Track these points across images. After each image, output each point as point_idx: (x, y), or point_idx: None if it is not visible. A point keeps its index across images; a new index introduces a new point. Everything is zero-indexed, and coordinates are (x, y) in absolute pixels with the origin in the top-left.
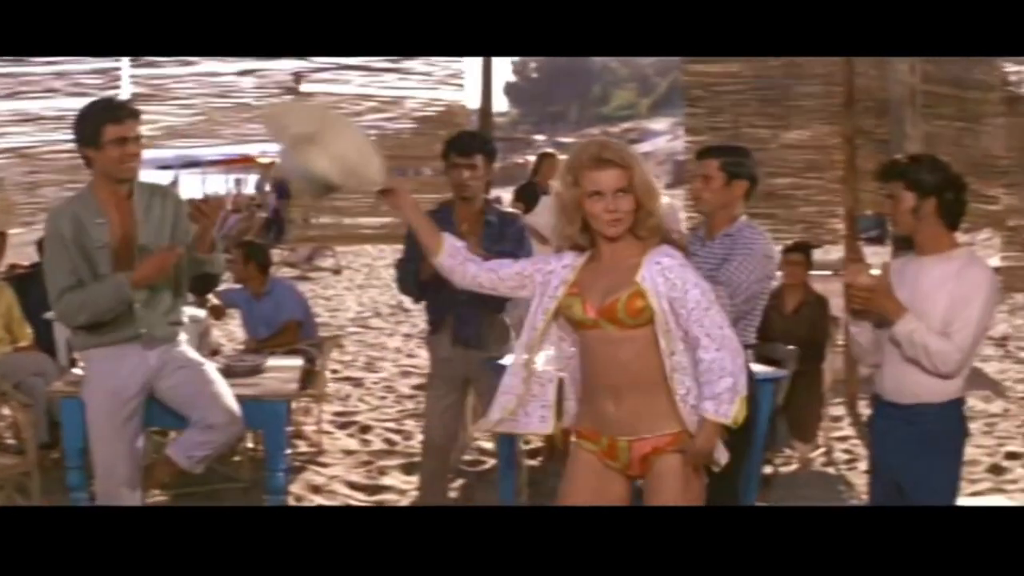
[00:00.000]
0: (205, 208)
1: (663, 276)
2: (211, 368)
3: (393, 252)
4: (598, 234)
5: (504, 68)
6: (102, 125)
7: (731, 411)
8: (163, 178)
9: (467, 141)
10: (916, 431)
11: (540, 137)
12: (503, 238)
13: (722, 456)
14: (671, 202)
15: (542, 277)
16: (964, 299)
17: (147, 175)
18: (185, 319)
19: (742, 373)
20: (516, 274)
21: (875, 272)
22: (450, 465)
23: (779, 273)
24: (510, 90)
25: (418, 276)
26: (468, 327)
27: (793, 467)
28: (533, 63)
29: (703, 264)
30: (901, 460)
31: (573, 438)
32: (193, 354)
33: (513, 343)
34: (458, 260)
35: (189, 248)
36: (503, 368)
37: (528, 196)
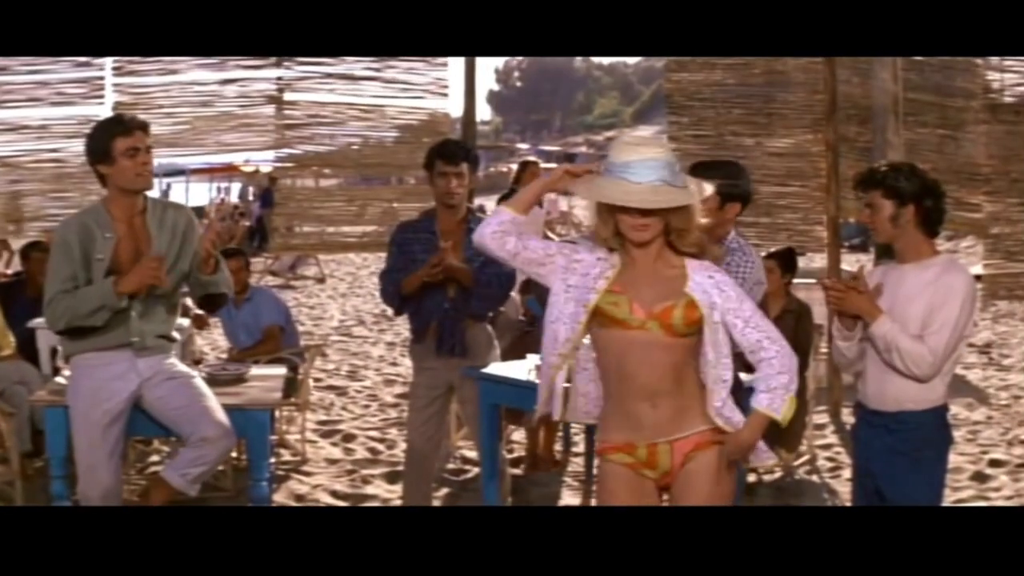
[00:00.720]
0: (208, 230)
1: (718, 289)
2: (201, 382)
3: (376, 260)
4: (628, 239)
5: (487, 76)
6: (112, 139)
7: (782, 408)
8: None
9: (453, 149)
10: (898, 438)
11: (523, 145)
12: None
13: (767, 458)
14: None
15: (565, 262)
16: (940, 303)
17: None
18: (176, 334)
19: (796, 375)
20: (541, 249)
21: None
22: (433, 474)
23: None
24: (493, 98)
25: (400, 289)
26: (452, 336)
27: (777, 475)
28: (517, 72)
29: None
30: (883, 467)
31: (599, 456)
32: (183, 367)
33: (497, 352)
34: (515, 232)
35: (193, 269)
36: (486, 376)
37: None
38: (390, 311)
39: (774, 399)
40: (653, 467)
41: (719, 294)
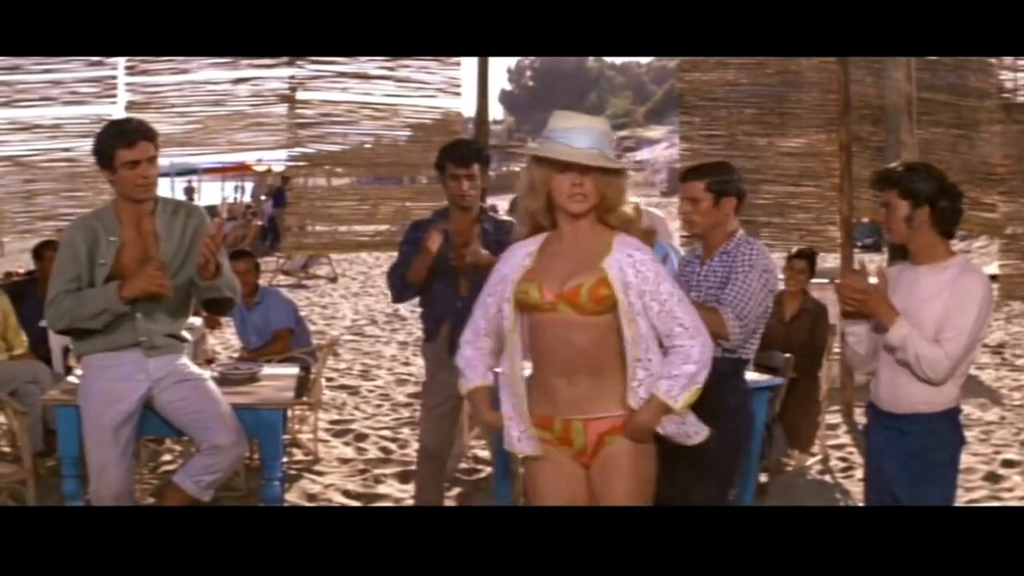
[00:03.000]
0: (206, 238)
1: (634, 268)
2: (213, 385)
3: (388, 260)
4: (562, 214)
5: (499, 76)
6: (115, 149)
7: (682, 397)
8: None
9: (464, 151)
10: (911, 440)
11: (536, 145)
12: (500, 247)
13: (697, 432)
14: (652, 211)
15: (501, 286)
16: (957, 307)
17: None
18: (187, 334)
19: (706, 368)
20: (492, 318)
21: (872, 279)
22: (445, 473)
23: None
24: (505, 98)
25: (405, 277)
26: None
27: (789, 475)
28: (529, 71)
29: (703, 283)
30: (896, 468)
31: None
32: (195, 368)
33: None
34: (479, 344)
35: (195, 274)
36: (500, 376)
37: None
38: (403, 309)
39: (673, 387)
40: (568, 444)
41: (635, 274)
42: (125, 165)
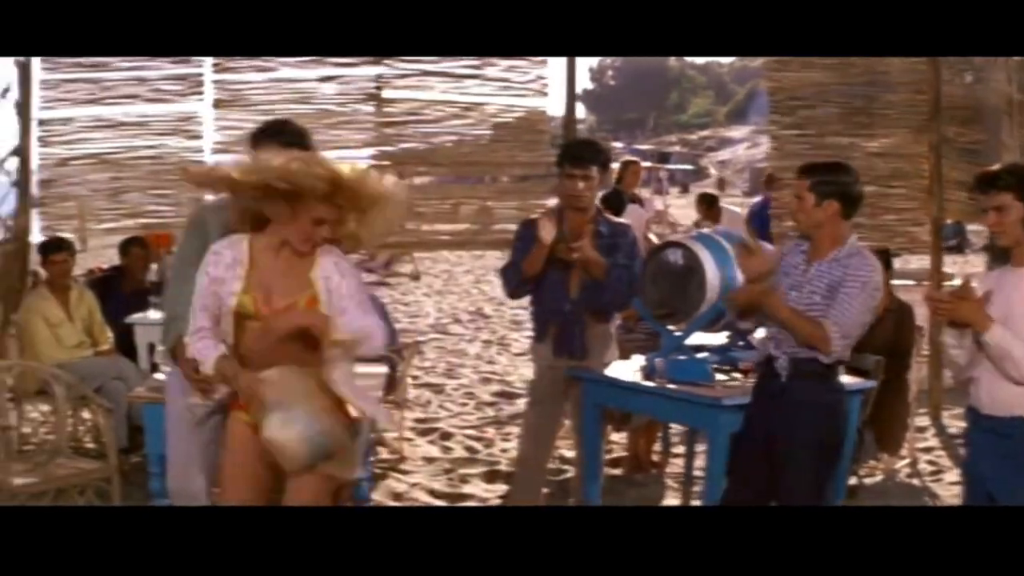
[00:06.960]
0: None
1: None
2: None
3: (471, 258)
4: None
5: (582, 75)
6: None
7: None
8: None
9: (579, 150)
10: (1010, 443)
11: (618, 144)
12: (614, 249)
13: None
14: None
15: None
16: None
17: None
18: None
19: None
20: None
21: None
22: (546, 474)
23: None
24: (587, 97)
25: (520, 271)
26: (571, 339)
27: (878, 478)
28: (611, 70)
29: (807, 285)
30: (994, 471)
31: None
32: None
33: (616, 351)
34: None
35: None
36: (591, 376)
37: (614, 202)
38: (487, 308)
39: None
40: None
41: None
42: None
